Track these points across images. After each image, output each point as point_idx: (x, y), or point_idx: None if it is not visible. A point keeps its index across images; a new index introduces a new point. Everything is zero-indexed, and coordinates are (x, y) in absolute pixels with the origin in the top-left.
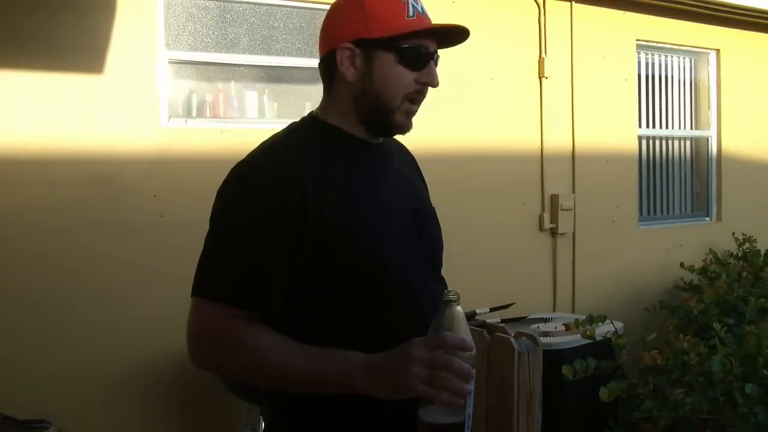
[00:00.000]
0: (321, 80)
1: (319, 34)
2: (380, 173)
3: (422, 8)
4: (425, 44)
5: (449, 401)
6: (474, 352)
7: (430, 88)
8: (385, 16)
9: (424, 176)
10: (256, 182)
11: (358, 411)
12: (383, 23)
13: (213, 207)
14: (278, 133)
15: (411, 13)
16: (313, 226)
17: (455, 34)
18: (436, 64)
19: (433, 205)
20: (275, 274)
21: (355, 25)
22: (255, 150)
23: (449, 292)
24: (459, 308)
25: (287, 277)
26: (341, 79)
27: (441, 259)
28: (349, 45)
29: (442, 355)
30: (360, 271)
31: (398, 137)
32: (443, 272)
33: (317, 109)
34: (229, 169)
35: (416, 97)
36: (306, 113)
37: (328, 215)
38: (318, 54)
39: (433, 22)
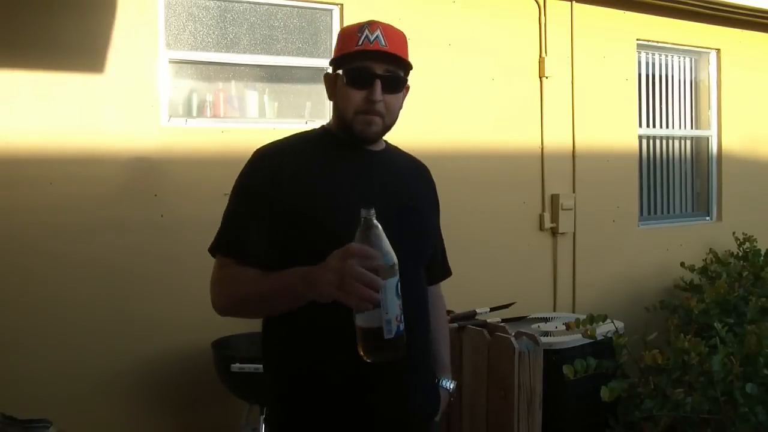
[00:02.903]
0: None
1: None
2: (365, 172)
3: (376, 38)
4: (370, 66)
5: (358, 306)
6: (388, 264)
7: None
8: (341, 45)
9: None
10: (251, 170)
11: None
12: (339, 50)
13: None
14: (299, 132)
15: (359, 42)
16: (285, 208)
17: (395, 61)
18: (388, 84)
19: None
20: (260, 238)
21: (334, 53)
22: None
23: (366, 210)
24: (376, 223)
25: (271, 241)
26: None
27: (424, 249)
28: (330, 69)
29: (352, 265)
30: (326, 249)
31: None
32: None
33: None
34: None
35: (368, 111)
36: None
37: (301, 201)
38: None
39: (386, 47)
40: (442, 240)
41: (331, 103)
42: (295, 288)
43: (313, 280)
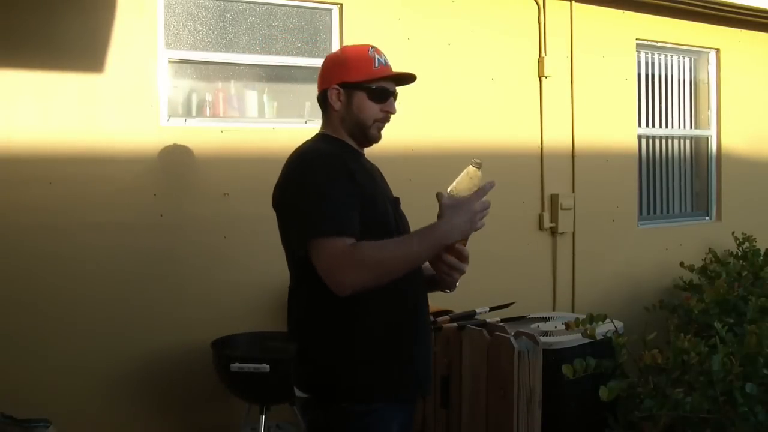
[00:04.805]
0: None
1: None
2: (371, 171)
3: (385, 61)
4: (386, 86)
5: (482, 224)
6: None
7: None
8: (359, 66)
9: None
10: (331, 164)
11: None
12: (357, 72)
13: (301, 180)
14: (310, 142)
15: (377, 65)
16: (362, 194)
17: (407, 78)
18: (395, 99)
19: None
20: (358, 217)
21: (339, 73)
22: (309, 146)
23: (475, 159)
24: (479, 171)
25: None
26: (332, 109)
27: None
28: (336, 86)
29: (484, 203)
30: (378, 225)
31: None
32: None
33: (322, 128)
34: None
35: (382, 121)
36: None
37: (367, 190)
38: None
39: (393, 71)
40: None
41: (330, 116)
42: (447, 239)
43: (464, 225)
